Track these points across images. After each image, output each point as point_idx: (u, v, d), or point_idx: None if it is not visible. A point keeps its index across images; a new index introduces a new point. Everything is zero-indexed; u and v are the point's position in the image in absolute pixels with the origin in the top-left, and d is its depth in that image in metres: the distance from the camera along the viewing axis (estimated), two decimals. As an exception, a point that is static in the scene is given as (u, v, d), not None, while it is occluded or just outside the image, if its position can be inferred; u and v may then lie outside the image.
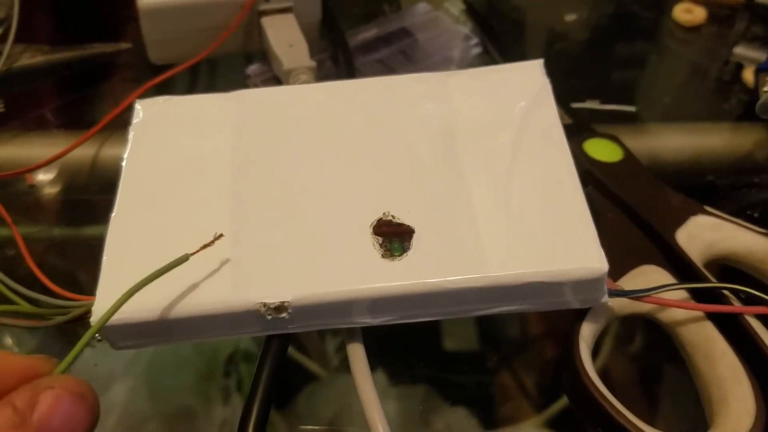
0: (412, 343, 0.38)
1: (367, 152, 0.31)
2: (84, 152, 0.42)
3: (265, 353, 0.28)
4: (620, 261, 0.31)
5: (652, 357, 0.38)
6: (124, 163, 0.31)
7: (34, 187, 0.42)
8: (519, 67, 0.34)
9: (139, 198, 0.30)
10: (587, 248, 0.27)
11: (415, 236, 0.27)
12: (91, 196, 0.42)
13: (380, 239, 0.27)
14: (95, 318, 0.26)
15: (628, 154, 0.37)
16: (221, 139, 0.32)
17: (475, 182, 0.29)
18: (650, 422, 0.28)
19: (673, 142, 0.45)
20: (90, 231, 0.41)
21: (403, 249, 0.27)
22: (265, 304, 0.26)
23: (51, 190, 0.43)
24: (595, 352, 0.32)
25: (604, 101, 0.47)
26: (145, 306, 0.26)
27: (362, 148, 0.31)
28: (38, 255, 0.36)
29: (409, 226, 0.28)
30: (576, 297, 0.28)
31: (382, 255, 0.27)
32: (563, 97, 0.35)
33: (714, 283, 0.31)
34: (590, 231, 0.28)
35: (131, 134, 0.32)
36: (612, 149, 0.38)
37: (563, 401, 0.35)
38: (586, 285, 0.27)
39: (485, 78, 0.34)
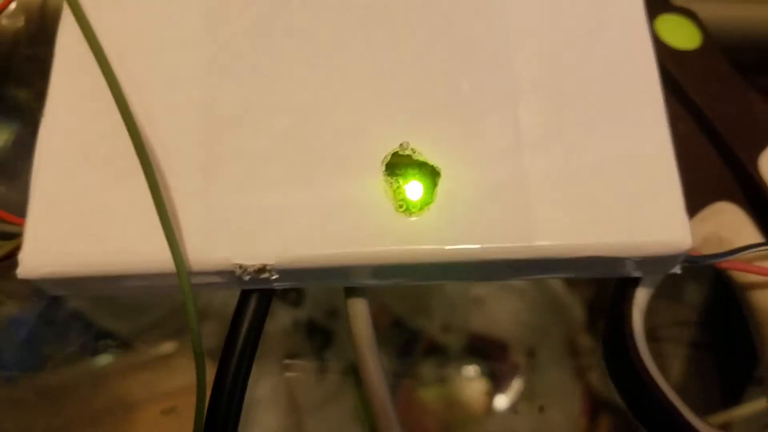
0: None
1: (384, 46, 0.23)
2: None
3: (241, 309, 0.22)
4: (690, 195, 0.24)
5: (707, 317, 0.33)
6: (57, 45, 0.23)
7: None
8: None
9: (79, 95, 0.22)
10: (668, 213, 0.21)
11: (439, 181, 0.21)
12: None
13: (394, 183, 0.21)
14: (26, 266, 0.21)
15: (707, 40, 0.29)
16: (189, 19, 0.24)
17: (526, 104, 0.22)
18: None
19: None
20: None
21: (424, 202, 0.21)
22: (241, 266, 0.20)
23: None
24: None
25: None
26: (86, 259, 0.20)
27: (377, 38, 0.23)
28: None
29: (433, 166, 0.21)
30: (639, 269, 0.22)
31: (395, 207, 0.21)
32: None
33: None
34: (673, 186, 0.21)
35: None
36: (689, 31, 0.30)
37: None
38: (659, 260, 0.21)
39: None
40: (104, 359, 0.33)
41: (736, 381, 0.33)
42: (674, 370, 0.34)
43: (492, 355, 0.35)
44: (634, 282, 0.24)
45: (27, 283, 0.21)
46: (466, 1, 0.23)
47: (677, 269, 0.22)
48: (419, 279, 0.22)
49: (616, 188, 0.21)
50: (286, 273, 0.21)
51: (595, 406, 0.34)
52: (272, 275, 0.20)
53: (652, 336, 0.33)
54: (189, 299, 0.20)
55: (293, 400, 0.34)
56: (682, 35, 0.29)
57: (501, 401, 0.34)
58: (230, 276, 0.21)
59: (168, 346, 0.34)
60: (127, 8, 0.23)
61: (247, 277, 0.20)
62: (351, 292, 0.23)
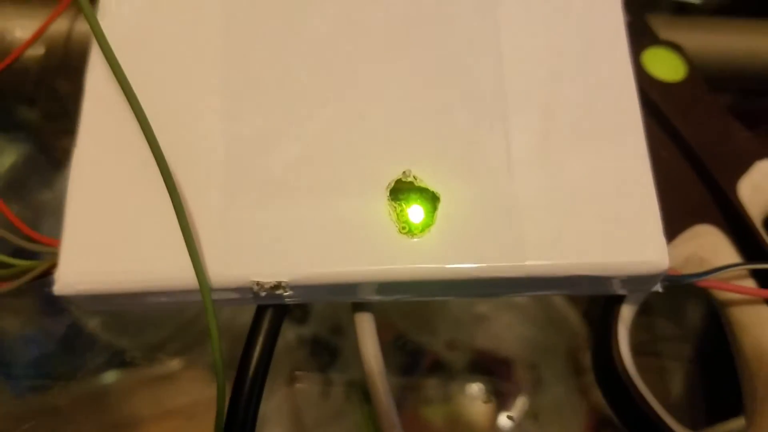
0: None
1: (388, 81, 0.25)
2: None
3: (257, 322, 0.24)
4: (672, 218, 0.26)
5: (694, 333, 0.34)
6: (87, 78, 0.25)
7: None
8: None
9: (108, 126, 0.24)
10: (647, 236, 0.22)
11: (439, 206, 0.23)
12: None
13: (397, 207, 0.23)
14: (62, 283, 0.22)
15: (692, 71, 0.31)
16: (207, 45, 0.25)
17: (518, 135, 0.24)
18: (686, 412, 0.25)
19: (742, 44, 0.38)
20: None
21: (425, 225, 0.23)
22: (258, 283, 0.22)
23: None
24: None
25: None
26: (117, 277, 0.22)
27: (382, 74, 0.25)
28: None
29: (433, 192, 0.23)
30: (623, 288, 0.24)
31: (399, 229, 0.23)
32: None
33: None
34: (652, 211, 0.23)
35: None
36: (675, 64, 0.31)
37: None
38: (640, 279, 0.23)
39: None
40: (113, 376, 0.34)
41: (735, 397, 0.34)
42: (674, 386, 0.35)
43: (496, 372, 0.36)
44: (620, 299, 0.26)
45: (60, 299, 0.23)
46: (462, 38, 0.25)
47: (658, 287, 0.24)
48: (421, 295, 0.24)
49: (600, 213, 0.23)
50: (298, 289, 0.22)
51: (599, 424, 0.34)
52: (286, 291, 0.22)
53: (651, 352, 0.34)
54: (211, 314, 0.22)
55: (298, 417, 0.34)
56: (668, 68, 0.31)
57: (504, 419, 0.35)
58: (248, 292, 0.22)
59: (175, 363, 0.35)
60: (151, 43, 0.25)
61: (263, 293, 0.22)
62: (358, 307, 0.25)
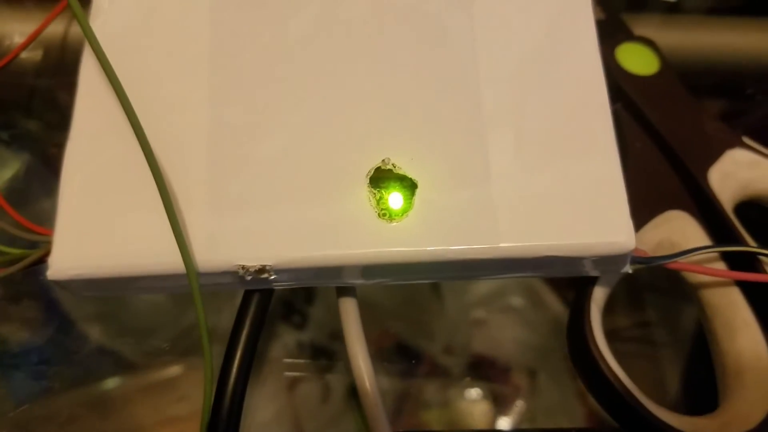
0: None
1: (371, 76, 0.26)
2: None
3: (244, 307, 0.25)
4: (645, 204, 0.28)
5: (668, 316, 0.35)
6: (80, 76, 0.26)
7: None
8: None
9: (99, 120, 0.25)
10: (615, 220, 0.23)
11: (417, 192, 0.24)
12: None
13: (377, 194, 0.24)
14: (55, 269, 0.23)
15: (665, 66, 0.32)
16: (194, 42, 0.26)
17: (492, 125, 0.25)
18: (660, 393, 0.26)
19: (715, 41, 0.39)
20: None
21: (403, 210, 0.24)
22: (243, 267, 0.23)
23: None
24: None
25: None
26: (107, 262, 0.23)
27: (364, 69, 0.26)
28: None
29: (411, 179, 0.24)
30: (595, 269, 0.25)
31: (378, 214, 0.24)
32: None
33: (752, 248, 0.27)
34: (619, 195, 0.24)
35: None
36: (648, 58, 0.32)
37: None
38: (608, 259, 0.24)
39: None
40: (114, 382, 0.34)
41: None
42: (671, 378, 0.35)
43: (494, 377, 0.36)
44: (593, 281, 0.27)
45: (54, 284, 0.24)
46: (437, 33, 0.26)
47: (628, 269, 0.25)
48: (401, 278, 0.25)
49: (571, 198, 0.23)
50: (283, 273, 0.23)
51: (597, 428, 0.35)
52: (271, 275, 0.23)
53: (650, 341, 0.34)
54: (197, 297, 0.23)
55: (297, 423, 0.35)
56: (641, 62, 0.32)
57: (503, 423, 0.35)
58: (234, 276, 0.23)
59: (176, 369, 0.35)
60: (140, 40, 0.26)
61: (248, 277, 0.23)
62: (341, 291, 0.26)
